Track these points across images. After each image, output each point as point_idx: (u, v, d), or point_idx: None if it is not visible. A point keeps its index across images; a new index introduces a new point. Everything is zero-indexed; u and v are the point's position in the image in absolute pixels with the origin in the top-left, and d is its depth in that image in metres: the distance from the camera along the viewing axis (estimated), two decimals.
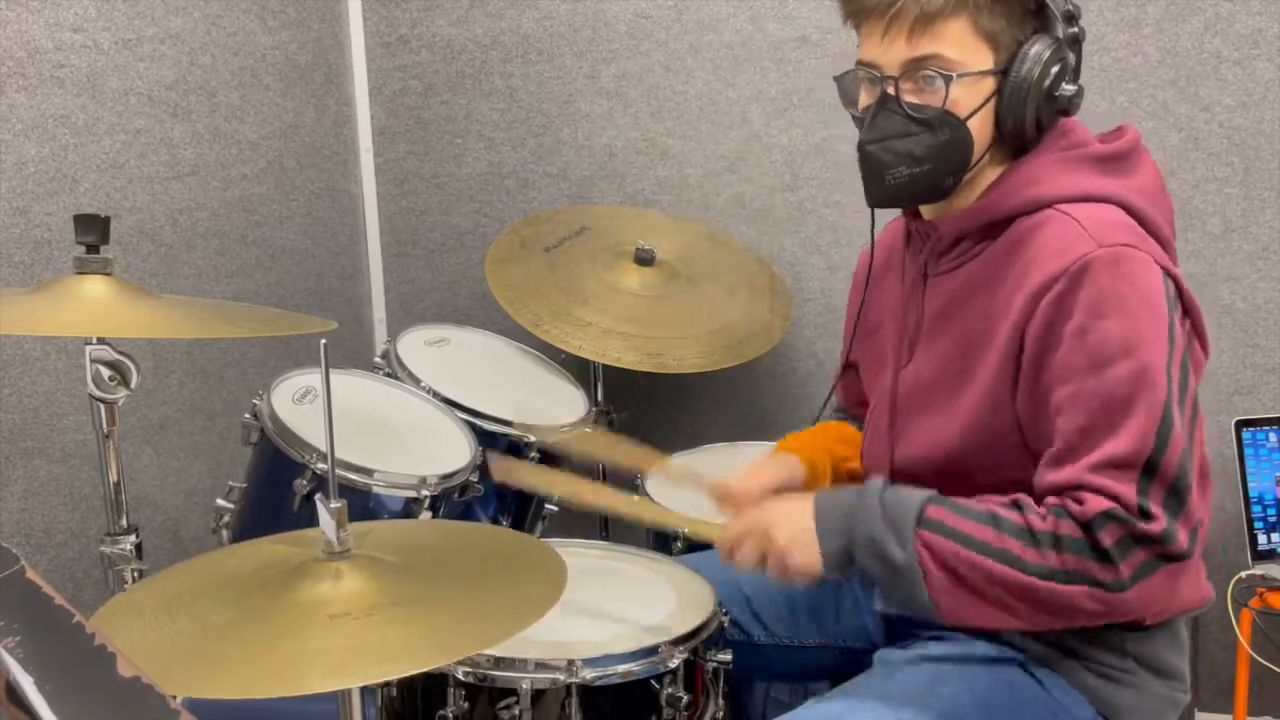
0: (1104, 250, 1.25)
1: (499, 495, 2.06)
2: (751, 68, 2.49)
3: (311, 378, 1.96)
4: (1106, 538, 1.20)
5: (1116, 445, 1.21)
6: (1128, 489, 1.20)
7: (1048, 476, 1.26)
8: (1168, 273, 1.28)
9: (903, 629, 1.48)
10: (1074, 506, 1.22)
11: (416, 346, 2.22)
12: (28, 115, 1.93)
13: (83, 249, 1.49)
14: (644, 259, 2.31)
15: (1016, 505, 1.26)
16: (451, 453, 1.93)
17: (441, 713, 1.38)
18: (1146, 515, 1.20)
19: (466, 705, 1.39)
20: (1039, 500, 1.26)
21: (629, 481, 2.12)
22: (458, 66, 2.68)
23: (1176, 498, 1.21)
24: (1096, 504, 1.20)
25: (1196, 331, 1.32)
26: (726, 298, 2.35)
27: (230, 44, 2.35)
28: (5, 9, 1.89)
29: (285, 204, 2.53)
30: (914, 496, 1.30)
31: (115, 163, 2.09)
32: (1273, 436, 2.15)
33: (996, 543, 1.23)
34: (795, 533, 1.33)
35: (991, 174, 1.38)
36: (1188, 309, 1.30)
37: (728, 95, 2.51)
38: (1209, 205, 2.27)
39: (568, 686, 1.36)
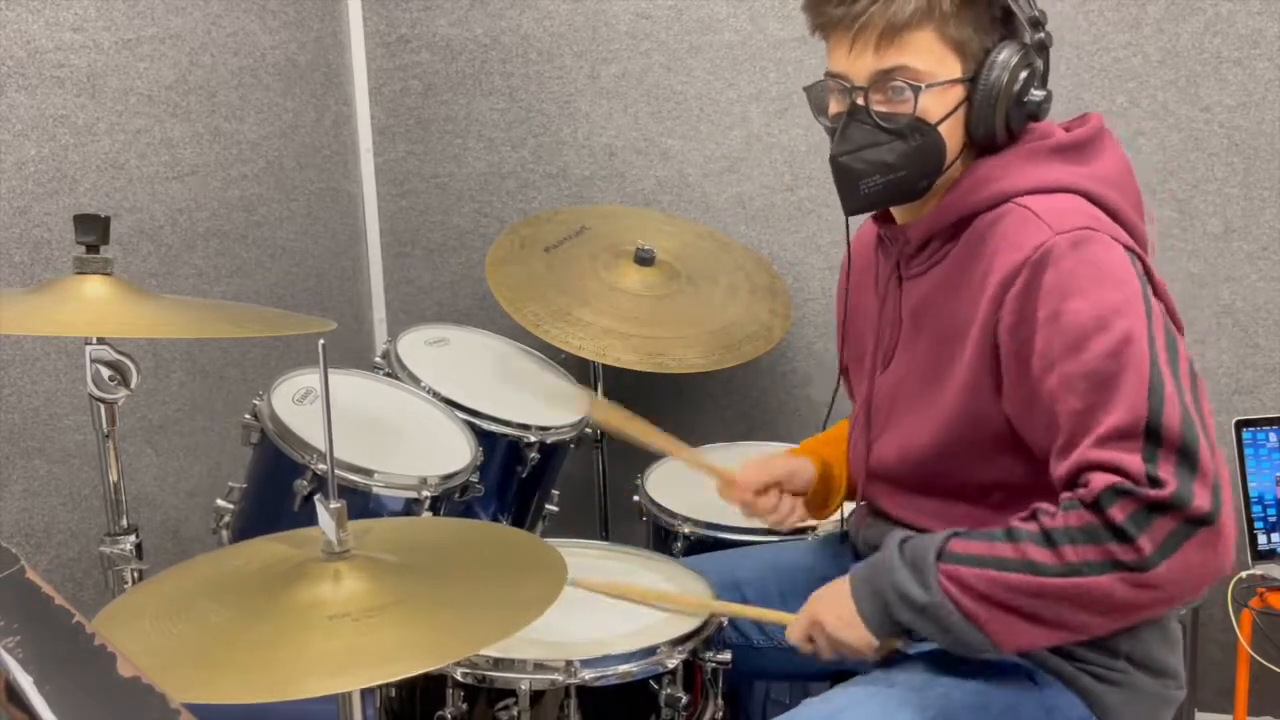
0: (1062, 236, 1.24)
1: (499, 495, 2.06)
2: (751, 68, 2.49)
3: (311, 378, 1.96)
4: (1118, 513, 1.17)
5: (1112, 417, 1.19)
6: (1132, 458, 1.18)
7: (1058, 467, 1.24)
8: (1132, 252, 1.27)
9: None
10: (1081, 492, 1.20)
11: (416, 346, 2.22)
12: (28, 115, 1.93)
13: (83, 249, 1.49)
14: (644, 259, 2.31)
15: (1032, 514, 1.25)
16: (451, 453, 1.93)
17: (440, 713, 1.38)
18: (1155, 482, 1.16)
19: (465, 706, 1.39)
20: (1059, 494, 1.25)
21: (628, 480, 2.13)
22: (458, 66, 2.67)
23: (1186, 458, 1.17)
24: (1100, 481, 1.18)
25: (1169, 313, 1.30)
26: (726, 298, 2.35)
27: (230, 44, 2.35)
28: (5, 9, 1.89)
29: (285, 204, 2.53)
30: (936, 536, 1.29)
31: (115, 163, 2.09)
32: (1273, 436, 2.15)
33: (1015, 555, 1.22)
34: (840, 612, 1.34)
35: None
36: (1157, 290, 1.29)
37: (728, 95, 2.51)
38: (1209, 205, 2.27)
39: (566, 687, 1.36)
